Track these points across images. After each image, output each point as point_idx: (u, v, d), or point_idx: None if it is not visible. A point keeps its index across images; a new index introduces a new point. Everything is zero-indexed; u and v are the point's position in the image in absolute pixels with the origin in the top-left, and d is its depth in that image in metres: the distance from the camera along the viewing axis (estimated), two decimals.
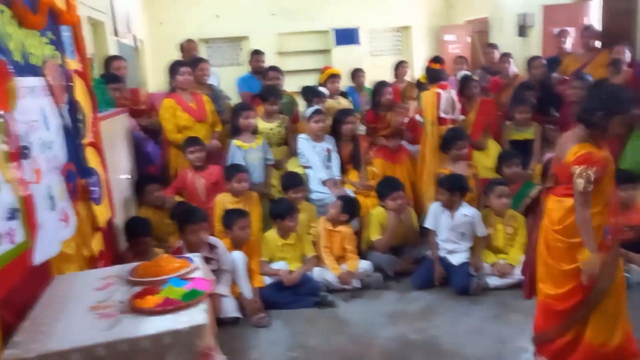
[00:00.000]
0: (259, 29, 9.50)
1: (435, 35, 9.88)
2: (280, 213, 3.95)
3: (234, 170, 4.20)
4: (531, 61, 5.44)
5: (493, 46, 6.68)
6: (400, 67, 7.13)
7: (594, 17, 6.25)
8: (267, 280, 3.85)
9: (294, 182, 4.28)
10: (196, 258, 2.52)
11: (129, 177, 4.21)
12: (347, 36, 9.77)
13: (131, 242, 3.72)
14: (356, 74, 6.96)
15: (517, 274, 3.82)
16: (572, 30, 6.06)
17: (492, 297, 3.75)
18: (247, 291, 3.64)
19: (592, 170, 2.40)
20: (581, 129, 2.56)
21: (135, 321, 1.92)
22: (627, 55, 4.97)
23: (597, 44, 5.63)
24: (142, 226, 3.80)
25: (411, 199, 4.84)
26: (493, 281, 3.84)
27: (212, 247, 3.63)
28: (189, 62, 5.02)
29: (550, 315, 2.65)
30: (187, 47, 6.20)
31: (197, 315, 1.94)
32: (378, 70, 7.89)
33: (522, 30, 7.37)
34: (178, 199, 4.26)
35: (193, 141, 4.31)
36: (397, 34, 10.29)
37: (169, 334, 1.84)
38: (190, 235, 3.53)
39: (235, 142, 4.48)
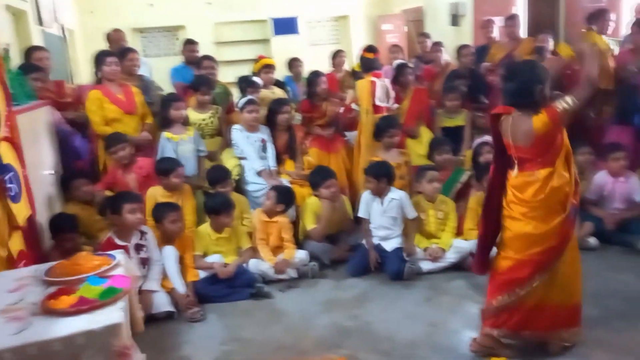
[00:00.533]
0: (195, 19, 9.30)
1: (372, 25, 9.98)
2: (215, 208, 3.89)
3: (172, 165, 4.10)
4: (460, 50, 5.57)
5: (426, 35, 6.79)
6: (337, 57, 7.12)
7: (521, 7, 6.47)
8: (202, 274, 3.78)
9: (220, 175, 4.21)
10: (119, 255, 2.45)
11: (54, 172, 4.03)
12: (285, 26, 9.71)
13: (57, 239, 3.58)
14: (293, 63, 6.93)
15: (449, 258, 3.93)
16: (501, 20, 6.24)
17: (424, 281, 3.83)
18: (179, 286, 3.57)
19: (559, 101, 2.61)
20: (519, 111, 2.65)
21: (47, 323, 1.84)
22: (551, 43, 5.17)
23: (523, 32, 5.83)
24: (68, 222, 3.66)
25: (347, 187, 4.89)
26: (426, 265, 3.93)
27: (142, 234, 3.57)
28: (116, 52, 4.84)
29: (537, 268, 2.70)
30: (115, 37, 5.97)
31: (113, 314, 1.88)
32: (317, 60, 7.89)
33: (455, 20, 7.54)
34: (109, 194, 4.12)
35: (115, 139, 4.16)
36: (335, 24, 10.31)
37: (82, 334, 1.78)
38: (129, 214, 3.44)
39: (165, 134, 4.37)
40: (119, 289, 2.01)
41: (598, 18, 5.03)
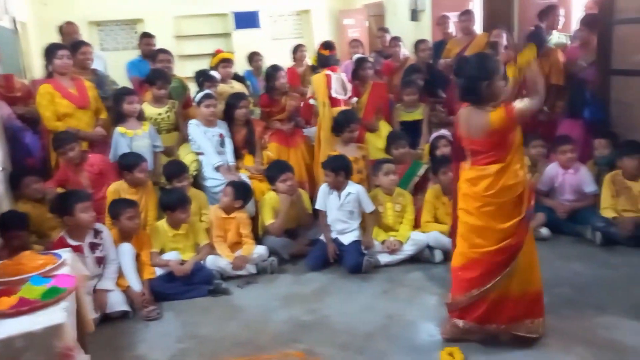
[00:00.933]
0: (154, 12, 9.12)
1: (334, 19, 9.97)
2: (171, 204, 3.83)
3: (135, 160, 4.02)
4: (418, 44, 5.63)
5: (385, 30, 6.83)
6: (298, 51, 7.12)
7: (477, 2, 6.57)
8: (159, 271, 3.72)
9: (177, 170, 4.15)
10: (65, 253, 2.38)
11: (3, 169, 3.91)
12: (247, 19, 9.62)
13: (5, 238, 3.47)
14: (253, 57, 6.90)
15: (406, 250, 3.97)
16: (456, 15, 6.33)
17: (382, 274, 3.86)
18: (135, 284, 3.51)
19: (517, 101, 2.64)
20: (473, 105, 2.69)
21: None
22: (505, 38, 5.26)
23: (479, 27, 5.93)
24: (17, 220, 3.57)
25: (306, 181, 4.88)
26: (384, 258, 3.95)
27: (97, 233, 3.49)
28: (68, 46, 4.70)
29: (489, 270, 2.74)
30: (67, 29, 5.80)
31: (55, 315, 1.83)
32: (280, 54, 7.85)
33: (414, 15, 7.61)
34: (60, 191, 4.01)
35: (63, 139, 4.03)
36: (297, 18, 10.27)
37: (21, 336, 1.73)
38: (82, 213, 3.36)
39: (119, 129, 4.27)
40: (62, 289, 1.96)
41: (548, 14, 5.16)
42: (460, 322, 2.85)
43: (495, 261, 2.73)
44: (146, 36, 5.81)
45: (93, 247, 3.45)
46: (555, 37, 5.44)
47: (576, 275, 3.59)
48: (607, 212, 4.02)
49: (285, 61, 7.30)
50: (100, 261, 3.47)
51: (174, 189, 4.05)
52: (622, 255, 3.81)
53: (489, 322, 2.81)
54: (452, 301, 2.90)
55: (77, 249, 3.30)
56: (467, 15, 5.69)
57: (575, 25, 5.50)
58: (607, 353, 2.71)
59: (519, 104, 2.63)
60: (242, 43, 9.12)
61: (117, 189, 4.00)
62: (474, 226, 2.78)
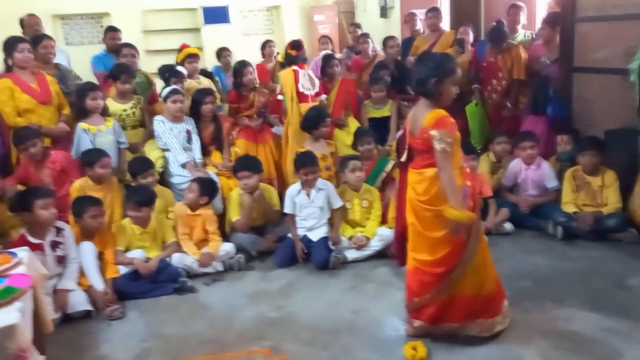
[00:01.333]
0: (120, 5, 8.93)
1: (305, 15, 9.94)
2: (139, 201, 3.77)
3: (96, 155, 3.94)
4: (386, 41, 5.66)
5: (356, 25, 6.85)
6: (267, 47, 7.10)
7: (445, 0, 6.64)
8: (123, 270, 3.66)
9: (141, 167, 4.09)
10: (22, 252, 2.32)
11: None
12: (216, 14, 9.51)
13: None
14: (222, 53, 6.84)
15: (373, 246, 4.00)
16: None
17: (350, 270, 3.88)
18: (97, 283, 3.45)
19: (449, 131, 2.55)
20: (424, 100, 2.69)
21: None
22: (471, 36, 5.34)
23: (446, 25, 5.99)
24: None
25: (275, 178, 4.87)
26: (351, 254, 3.97)
27: (59, 231, 3.43)
28: (28, 39, 4.57)
29: (426, 281, 2.77)
30: (29, 22, 5.65)
31: (8, 315, 1.79)
32: (250, 50, 7.80)
33: (384, 12, 7.64)
34: (21, 188, 3.90)
35: (24, 135, 3.92)
36: (268, 13, 10.21)
37: None
38: (42, 210, 3.28)
39: (81, 125, 4.18)
40: (16, 289, 1.91)
41: (508, 12, 5.26)
42: (416, 322, 2.89)
43: (436, 272, 2.73)
44: (111, 30, 5.70)
45: (54, 245, 3.38)
46: (521, 35, 5.54)
47: (537, 269, 3.67)
48: (568, 207, 4.11)
49: (255, 57, 7.27)
50: (61, 260, 3.40)
51: (139, 186, 3.99)
52: (582, 248, 3.91)
53: (441, 321, 2.82)
54: (408, 302, 2.94)
55: (37, 247, 3.24)
56: (434, 12, 5.74)
57: (539, 23, 5.61)
58: (565, 344, 2.77)
59: (438, 145, 2.54)
60: (212, 38, 9.01)
61: (82, 185, 3.92)
62: (414, 232, 2.79)
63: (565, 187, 4.19)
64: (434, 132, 2.54)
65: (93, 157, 3.94)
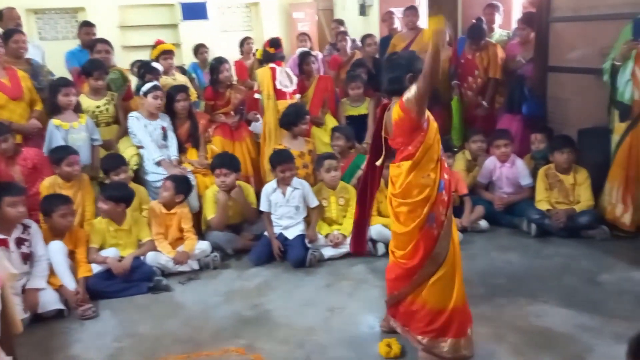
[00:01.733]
0: (97, 0, 8.81)
1: (284, 12, 9.92)
2: (113, 197, 3.72)
3: (63, 152, 3.86)
4: (364, 39, 5.67)
5: (339, 22, 6.85)
6: (245, 44, 7.07)
7: None
8: (97, 268, 3.60)
9: (114, 163, 4.03)
10: None
11: None
12: (194, 10, 9.44)
13: None
14: (199, 49, 6.78)
15: (349, 243, 3.98)
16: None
17: (326, 268, 3.87)
18: (68, 282, 3.38)
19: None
20: (395, 100, 2.65)
21: None
22: (448, 35, 5.36)
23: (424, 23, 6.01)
24: None
25: (252, 175, 4.84)
26: (328, 252, 3.97)
27: (25, 228, 3.36)
28: None
29: (400, 274, 2.75)
30: (9, 15, 5.53)
31: None
32: (229, 47, 7.76)
33: (363, 10, 7.66)
34: None
35: None
36: (247, 10, 10.15)
37: None
38: (10, 208, 3.22)
39: (53, 121, 4.10)
40: None
41: (485, 12, 5.31)
42: (391, 320, 2.90)
43: (407, 266, 2.69)
44: (86, 25, 5.59)
45: (20, 242, 3.31)
46: (497, 35, 5.59)
47: (511, 266, 3.71)
48: (542, 205, 4.16)
49: (234, 54, 7.24)
50: (27, 258, 3.33)
51: (120, 183, 3.94)
52: (555, 245, 3.96)
53: (406, 324, 2.78)
54: (388, 296, 2.92)
55: (2, 243, 3.17)
56: (412, 10, 5.76)
57: (515, 23, 5.67)
58: (537, 339, 2.80)
59: (406, 94, 2.49)
60: (190, 34, 8.95)
61: (51, 183, 3.85)
62: (393, 228, 2.78)
63: (539, 185, 4.24)
64: (405, 99, 2.47)
65: (61, 154, 3.86)
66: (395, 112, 2.56)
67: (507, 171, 4.43)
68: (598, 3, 4.16)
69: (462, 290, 2.67)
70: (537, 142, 4.53)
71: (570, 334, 2.84)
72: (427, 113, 2.62)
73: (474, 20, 5.26)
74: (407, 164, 2.61)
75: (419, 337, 2.68)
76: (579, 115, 4.48)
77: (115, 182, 3.96)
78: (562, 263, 3.69)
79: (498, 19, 5.52)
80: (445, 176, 2.65)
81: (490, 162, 4.48)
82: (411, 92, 2.49)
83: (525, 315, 3.04)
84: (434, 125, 2.63)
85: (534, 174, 4.42)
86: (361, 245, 3.16)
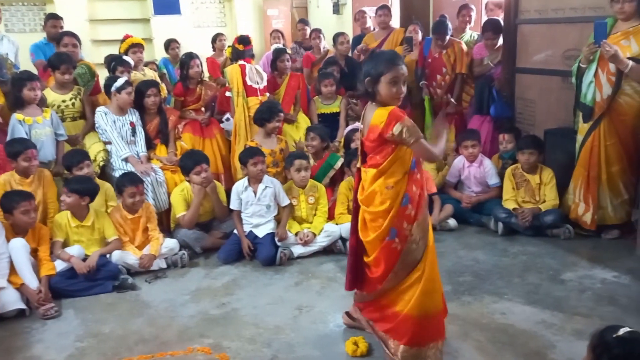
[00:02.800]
0: None
1: (258, 9, 9.85)
2: (76, 189, 3.63)
3: (20, 146, 3.73)
4: (336, 37, 5.67)
5: (304, 22, 6.84)
6: (217, 40, 7.00)
7: None
8: (60, 266, 3.52)
9: (75, 159, 3.94)
10: None
11: None
12: (167, 5, 9.32)
13: None
14: (170, 45, 6.70)
15: (320, 242, 3.99)
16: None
17: (296, 266, 3.86)
18: (30, 281, 3.30)
19: (406, 120, 2.41)
20: (371, 102, 2.62)
21: None
22: (420, 34, 5.40)
23: (396, 22, 6.05)
24: None
25: (222, 173, 4.81)
26: (297, 250, 3.95)
27: None
28: None
29: (369, 279, 2.73)
30: None
31: None
32: (202, 43, 7.67)
33: (336, 8, 7.66)
34: None
35: None
36: (220, 6, 10.05)
37: None
38: None
39: (16, 115, 3.99)
40: None
41: (460, 13, 5.37)
42: (357, 314, 2.90)
43: (373, 274, 2.66)
44: (52, 18, 5.45)
45: None
46: (467, 35, 5.64)
47: (478, 264, 3.75)
48: (508, 204, 4.23)
49: (207, 50, 7.17)
50: None
51: (85, 176, 3.86)
52: (521, 244, 4.03)
53: (375, 321, 2.76)
54: (358, 292, 2.91)
55: None
56: (384, 10, 5.77)
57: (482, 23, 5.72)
58: (501, 337, 2.84)
59: (403, 131, 2.39)
60: (162, 29, 8.82)
61: (7, 180, 3.72)
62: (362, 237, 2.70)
63: (506, 184, 4.30)
64: (397, 127, 2.39)
65: (17, 148, 3.71)
66: (379, 117, 2.46)
67: (475, 171, 4.49)
68: (563, 6, 4.23)
69: (441, 290, 2.64)
70: (505, 142, 4.59)
71: (532, 330, 2.89)
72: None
73: (438, 18, 5.32)
74: (372, 171, 2.56)
75: (385, 337, 2.67)
76: (545, 116, 4.57)
77: (79, 175, 3.85)
78: (527, 261, 3.75)
79: (472, 20, 5.59)
80: (414, 189, 2.52)
81: (459, 161, 4.54)
82: (403, 134, 2.39)
83: (490, 313, 3.08)
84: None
85: (501, 174, 4.48)
86: (352, 284, 2.87)
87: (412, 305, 2.53)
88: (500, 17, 5.11)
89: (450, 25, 5.19)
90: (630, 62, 3.55)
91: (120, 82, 4.35)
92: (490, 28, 4.98)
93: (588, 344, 1.80)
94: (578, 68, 3.90)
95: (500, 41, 4.89)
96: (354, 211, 2.76)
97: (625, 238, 3.96)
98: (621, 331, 1.71)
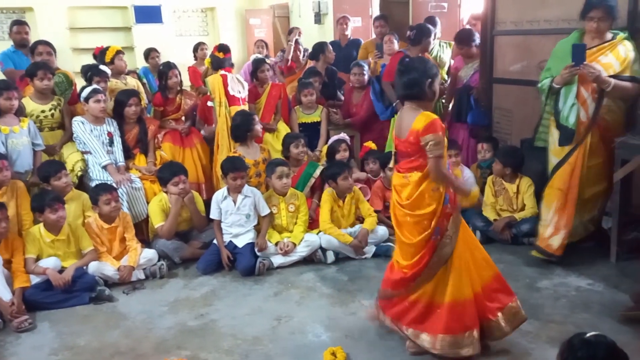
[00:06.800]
0: (46, 0, 8.55)
1: (241, 18, 9.88)
2: (39, 206, 3.59)
3: None
4: (324, 47, 5.69)
5: (297, 28, 6.87)
6: (199, 49, 7.00)
7: (376, 8, 6.78)
8: (36, 278, 3.48)
9: (52, 170, 3.90)
10: None
11: None
12: (148, 14, 9.31)
13: None
14: (150, 54, 6.67)
15: (299, 251, 3.98)
16: (358, 19, 6.50)
17: (275, 276, 3.85)
18: (3, 293, 3.25)
19: (441, 135, 2.55)
20: (412, 104, 2.69)
21: None
22: (396, 44, 5.45)
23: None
24: None
25: (203, 182, 4.78)
26: (277, 260, 3.94)
27: None
28: None
29: (396, 279, 2.77)
30: None
31: None
32: (184, 52, 7.68)
33: (318, 17, 7.71)
34: None
35: None
36: (203, 15, 10.07)
37: None
38: None
39: None
40: None
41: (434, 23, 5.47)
42: (381, 315, 2.91)
43: (405, 275, 2.73)
44: (17, 24, 5.28)
45: None
46: (436, 48, 5.62)
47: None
48: (488, 212, 4.27)
49: (189, 59, 7.16)
50: None
51: (44, 190, 3.81)
52: (498, 252, 4.04)
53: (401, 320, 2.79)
54: (381, 290, 2.92)
55: None
56: (380, 21, 5.86)
57: None
58: None
59: (431, 137, 2.53)
60: (144, 38, 8.81)
61: None
62: (397, 237, 2.80)
63: (487, 192, 4.35)
64: (428, 137, 2.54)
65: None
66: (420, 122, 2.57)
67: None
68: (538, 18, 4.30)
69: (459, 289, 2.66)
70: (484, 151, 4.64)
71: (508, 338, 2.89)
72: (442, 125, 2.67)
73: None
74: (416, 175, 2.65)
75: (406, 329, 2.74)
76: (521, 125, 4.62)
77: (44, 190, 3.79)
78: (504, 269, 3.70)
79: (438, 32, 5.65)
80: (451, 189, 2.69)
81: None
82: (428, 145, 2.53)
83: None
84: (445, 140, 2.66)
85: (480, 183, 4.53)
86: None
87: (443, 293, 2.65)
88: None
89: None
90: (612, 81, 3.44)
91: (86, 91, 4.30)
92: (456, 39, 5.06)
93: (558, 352, 1.82)
94: (550, 87, 3.68)
95: (475, 49, 4.94)
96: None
97: (599, 246, 4.01)
98: (587, 335, 1.74)
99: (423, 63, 2.75)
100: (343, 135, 4.96)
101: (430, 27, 4.86)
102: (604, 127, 3.60)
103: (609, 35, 3.55)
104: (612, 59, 3.50)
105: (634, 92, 3.54)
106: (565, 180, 3.67)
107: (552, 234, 3.72)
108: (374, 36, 6.33)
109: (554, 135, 3.74)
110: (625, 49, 3.51)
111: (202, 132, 5.02)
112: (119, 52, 5.19)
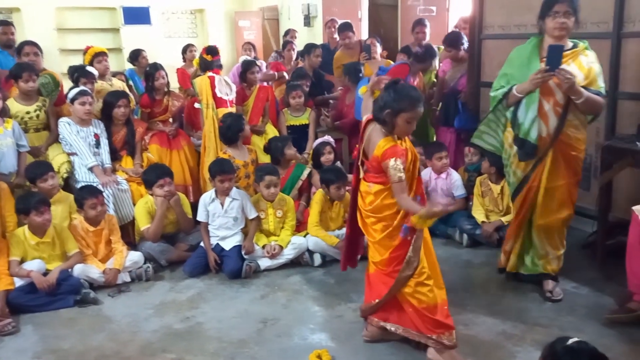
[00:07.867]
0: (33, 1, 8.49)
1: (230, 20, 9.87)
2: (25, 208, 3.55)
3: None
4: (311, 49, 5.71)
5: (294, 30, 6.89)
6: (188, 51, 6.98)
7: (365, 12, 6.80)
8: (19, 280, 3.44)
9: (39, 171, 3.86)
10: None
11: None
12: (137, 15, 9.27)
13: None
14: (137, 55, 6.63)
15: (286, 254, 3.98)
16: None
17: (262, 279, 3.84)
18: None
19: (400, 161, 2.57)
20: (380, 131, 2.69)
21: None
22: (379, 47, 5.49)
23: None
24: None
25: (190, 184, 4.76)
26: (264, 263, 3.93)
27: None
28: None
29: (384, 280, 2.81)
30: None
31: None
32: (173, 53, 7.65)
33: (307, 20, 7.72)
34: None
35: None
36: (192, 17, 10.04)
37: None
38: None
39: None
40: None
41: (414, 29, 5.50)
42: (374, 320, 2.94)
43: (387, 271, 2.79)
44: (3, 24, 5.26)
45: None
46: None
47: (443, 275, 3.68)
48: (477, 213, 4.29)
49: (178, 60, 7.14)
50: None
51: (30, 192, 3.77)
52: (485, 255, 4.08)
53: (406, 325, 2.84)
54: (365, 306, 3.00)
55: None
56: (345, 31, 5.84)
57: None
58: (464, 348, 2.85)
59: (391, 162, 2.56)
60: (132, 39, 8.76)
61: None
62: (368, 238, 2.88)
63: (475, 193, 4.36)
64: (388, 163, 2.58)
65: None
66: (378, 149, 2.62)
67: (442, 182, 4.53)
68: (525, 22, 4.32)
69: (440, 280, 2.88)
70: (471, 154, 4.67)
71: (494, 341, 2.93)
72: (407, 144, 2.74)
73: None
74: (377, 187, 2.71)
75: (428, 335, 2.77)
76: None
77: (29, 193, 3.75)
78: (491, 273, 3.79)
79: (427, 35, 5.69)
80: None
81: (425, 173, 4.57)
82: (390, 170, 2.57)
83: (454, 325, 3.11)
84: (409, 157, 2.70)
85: (467, 186, 4.55)
86: (353, 262, 3.29)
87: (427, 298, 2.76)
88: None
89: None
90: (586, 93, 2.99)
91: (73, 92, 4.27)
92: (445, 41, 5.09)
93: (539, 356, 1.83)
94: (508, 96, 3.20)
95: (463, 53, 4.97)
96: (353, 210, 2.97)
97: (586, 249, 4.04)
98: (570, 341, 1.75)
99: (400, 93, 2.62)
100: (327, 138, 4.96)
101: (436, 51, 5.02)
102: (568, 143, 3.14)
103: (569, 44, 3.11)
104: (574, 68, 3.03)
105: (601, 109, 3.18)
106: (519, 201, 3.32)
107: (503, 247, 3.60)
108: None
109: (511, 151, 3.31)
110: (587, 60, 3.09)
111: (193, 139, 5.00)
112: (97, 55, 5.09)
